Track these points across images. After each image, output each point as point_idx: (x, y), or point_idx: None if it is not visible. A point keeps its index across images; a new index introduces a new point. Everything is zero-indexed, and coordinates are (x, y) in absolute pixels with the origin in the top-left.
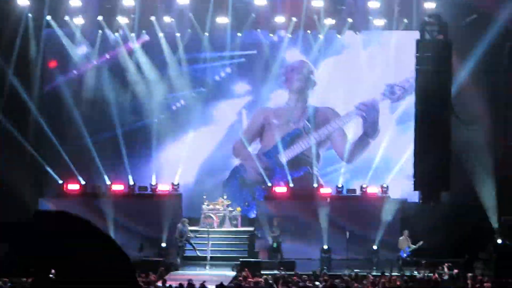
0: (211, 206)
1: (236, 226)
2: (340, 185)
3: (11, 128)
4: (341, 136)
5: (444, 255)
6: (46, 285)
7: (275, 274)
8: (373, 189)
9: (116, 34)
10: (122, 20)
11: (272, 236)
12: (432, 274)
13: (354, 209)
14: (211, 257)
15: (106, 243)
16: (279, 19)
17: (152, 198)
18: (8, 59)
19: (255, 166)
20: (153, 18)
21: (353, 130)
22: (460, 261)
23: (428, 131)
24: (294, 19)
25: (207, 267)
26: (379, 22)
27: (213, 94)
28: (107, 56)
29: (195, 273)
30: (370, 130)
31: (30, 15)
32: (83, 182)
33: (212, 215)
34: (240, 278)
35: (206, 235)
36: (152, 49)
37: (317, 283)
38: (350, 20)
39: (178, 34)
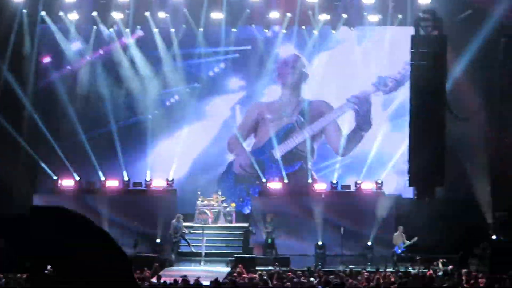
0: (205, 202)
1: (230, 222)
2: (334, 181)
3: (5, 124)
4: (335, 130)
5: (438, 251)
6: (42, 280)
7: (269, 270)
8: (368, 185)
9: (111, 29)
10: (116, 15)
11: (266, 232)
12: (427, 270)
13: (348, 205)
14: (205, 253)
15: (103, 239)
16: (274, 14)
17: (147, 194)
18: (2, 55)
19: (249, 162)
20: (147, 13)
21: (346, 123)
22: (454, 257)
23: (423, 126)
24: (288, 14)
25: (201, 263)
26: (374, 18)
27: (207, 90)
28: (101, 51)
29: (190, 269)
30: (362, 122)
31: (24, 10)
32: (77, 178)
33: (206, 211)
34: (235, 274)
35: (201, 231)
36: (146, 45)
37: (311, 279)
38: (344, 15)
39: (172, 30)
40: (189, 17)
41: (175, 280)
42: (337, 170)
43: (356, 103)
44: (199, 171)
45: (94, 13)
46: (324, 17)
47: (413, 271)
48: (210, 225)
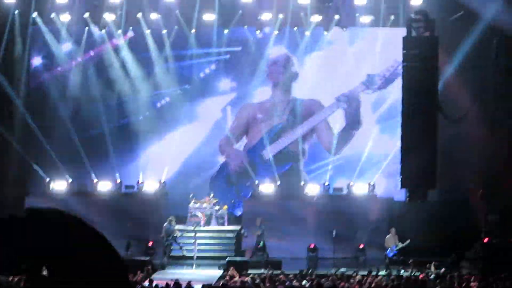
0: (198, 205)
1: (223, 224)
2: (326, 184)
3: None
4: (326, 128)
5: (431, 254)
6: (38, 282)
7: (262, 273)
8: (360, 188)
9: (103, 31)
10: (108, 17)
11: (256, 235)
12: (419, 273)
13: (340, 207)
14: (198, 256)
15: (99, 241)
16: (266, 16)
17: (139, 197)
18: None
19: (240, 163)
20: (139, 14)
21: (336, 122)
22: (447, 260)
23: (415, 128)
24: (281, 16)
25: (194, 266)
26: (366, 19)
27: (198, 91)
28: (92, 53)
29: (182, 272)
30: (352, 121)
31: (16, 12)
32: (69, 180)
33: (198, 214)
34: (227, 277)
35: (193, 234)
36: (138, 46)
37: (304, 282)
38: (337, 16)
39: (164, 31)
40: (180, 19)
41: (167, 284)
42: (329, 172)
43: (345, 101)
44: (190, 173)
45: (86, 15)
46: (316, 18)
47: (405, 274)
48: (202, 227)
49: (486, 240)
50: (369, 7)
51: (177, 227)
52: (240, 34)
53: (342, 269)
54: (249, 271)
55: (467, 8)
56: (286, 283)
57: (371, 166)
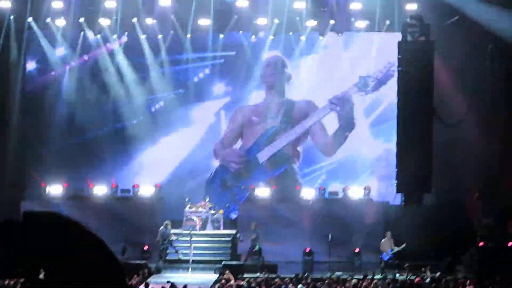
0: (193, 209)
1: (218, 228)
2: (322, 187)
3: None
4: (320, 129)
5: (426, 258)
6: (36, 286)
7: (257, 277)
8: (355, 191)
9: (98, 36)
10: (104, 22)
11: (250, 239)
12: (414, 277)
13: (336, 211)
14: (193, 260)
15: (97, 244)
16: (261, 20)
17: (134, 201)
18: None
19: (235, 166)
20: (135, 19)
21: (330, 123)
22: (442, 264)
23: (411, 132)
24: (276, 21)
25: (189, 270)
26: (361, 23)
27: (193, 96)
28: (87, 58)
29: (178, 276)
30: (345, 123)
31: (12, 17)
32: (65, 185)
33: (194, 218)
34: (223, 281)
35: (189, 238)
36: (133, 51)
37: (299, 286)
38: (332, 21)
39: (160, 36)
40: (176, 24)
41: (163, 287)
42: (324, 174)
43: (337, 104)
44: (185, 177)
45: (81, 19)
46: (311, 23)
47: (400, 278)
48: (198, 231)
49: (481, 243)
50: (364, 12)
51: (173, 231)
52: (236, 39)
53: (338, 273)
54: (245, 275)
55: (462, 13)
56: (282, 287)
57: (365, 170)
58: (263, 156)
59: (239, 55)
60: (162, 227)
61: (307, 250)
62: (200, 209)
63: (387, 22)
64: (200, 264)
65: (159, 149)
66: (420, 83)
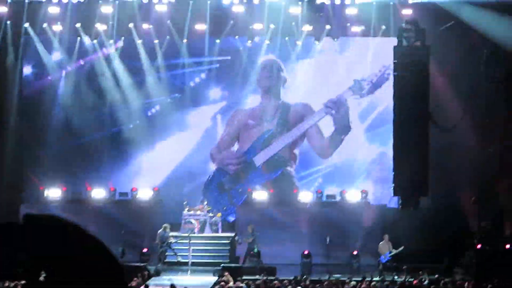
0: (191, 212)
1: (216, 231)
2: (319, 191)
3: None
4: (316, 132)
5: (424, 260)
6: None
7: (256, 279)
8: (353, 195)
9: (94, 41)
10: (100, 27)
11: (248, 242)
12: (412, 279)
13: (334, 214)
14: (192, 262)
15: (98, 247)
16: (257, 26)
17: (133, 204)
18: None
19: (233, 168)
20: (131, 25)
21: (326, 126)
22: (440, 266)
23: (407, 136)
24: (272, 26)
25: (188, 273)
26: (357, 28)
27: (189, 100)
28: (83, 62)
29: (177, 278)
30: (341, 126)
31: (8, 22)
32: (63, 188)
33: (192, 221)
34: (222, 283)
35: (187, 241)
36: (129, 56)
37: None
38: (328, 26)
39: (156, 41)
40: (172, 29)
41: None
42: (321, 178)
43: (332, 107)
44: (182, 181)
45: (78, 25)
46: (307, 28)
47: (399, 280)
48: (197, 234)
49: (479, 246)
50: (360, 17)
51: (172, 233)
52: (232, 44)
53: (336, 275)
54: (244, 277)
55: (457, 18)
56: None
57: (360, 174)
58: (259, 159)
59: (235, 60)
60: (160, 230)
61: (306, 252)
62: (198, 212)
63: (383, 27)
64: (199, 267)
65: (156, 153)
66: (416, 88)
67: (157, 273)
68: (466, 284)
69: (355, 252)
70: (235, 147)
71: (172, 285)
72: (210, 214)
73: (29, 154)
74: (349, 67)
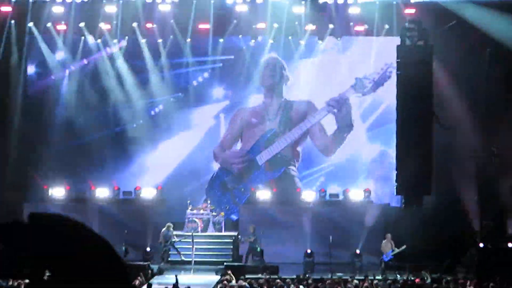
0: (195, 211)
1: (219, 230)
2: (323, 190)
3: None
4: (319, 130)
5: (426, 259)
6: (41, 286)
7: (259, 278)
8: (356, 194)
9: (98, 40)
10: (104, 26)
11: (249, 242)
12: (415, 278)
13: (336, 213)
14: (195, 261)
15: (103, 246)
16: (261, 25)
17: (136, 203)
18: None
19: (237, 167)
20: (135, 24)
21: (328, 124)
22: (442, 265)
23: (410, 135)
24: (275, 25)
25: (192, 271)
26: (360, 28)
27: (192, 99)
28: (87, 62)
29: (180, 277)
30: (343, 125)
31: (13, 21)
32: (67, 187)
33: (196, 220)
34: (225, 282)
35: (191, 240)
36: (133, 55)
37: (301, 287)
38: (331, 26)
39: (160, 40)
40: (176, 28)
41: None
42: (324, 177)
43: (334, 106)
44: (185, 180)
45: (82, 24)
46: (310, 27)
47: (401, 279)
48: (200, 233)
49: (481, 244)
50: (363, 16)
51: (175, 232)
52: (235, 43)
53: (339, 274)
54: (246, 276)
55: (460, 17)
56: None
57: (362, 173)
58: (262, 158)
59: (239, 59)
60: (164, 229)
61: (308, 251)
62: (201, 211)
63: (386, 26)
64: (202, 265)
65: (159, 152)
66: (419, 87)
67: (160, 272)
68: (468, 283)
69: (357, 251)
70: (238, 145)
71: (176, 279)
72: (213, 213)
73: (33, 153)
74: (352, 66)
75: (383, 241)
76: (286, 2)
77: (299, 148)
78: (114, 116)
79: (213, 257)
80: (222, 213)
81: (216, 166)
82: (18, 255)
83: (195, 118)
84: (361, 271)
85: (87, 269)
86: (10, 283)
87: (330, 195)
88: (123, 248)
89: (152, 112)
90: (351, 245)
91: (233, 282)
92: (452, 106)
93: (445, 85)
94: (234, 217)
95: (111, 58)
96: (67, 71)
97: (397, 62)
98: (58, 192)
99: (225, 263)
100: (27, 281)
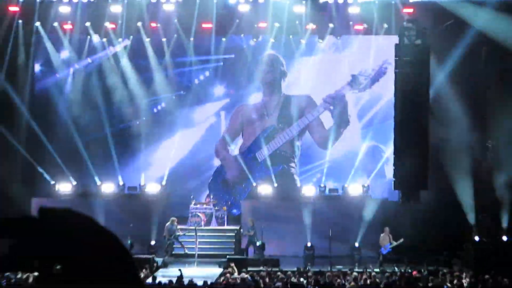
0: (198, 206)
1: (222, 224)
2: (322, 185)
3: (3, 130)
4: (317, 125)
5: (424, 252)
6: (50, 280)
7: (260, 271)
8: (355, 189)
9: (104, 39)
10: (109, 26)
11: (248, 236)
12: (412, 270)
13: (336, 208)
14: (199, 254)
15: (111, 240)
16: (262, 24)
17: (141, 198)
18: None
19: (235, 166)
20: (139, 23)
21: (326, 119)
22: (439, 258)
23: (407, 132)
24: (276, 24)
25: (195, 264)
26: (359, 27)
27: (194, 98)
28: (91, 60)
29: (184, 270)
30: (339, 121)
31: (20, 21)
32: (74, 183)
33: (199, 214)
34: (227, 274)
35: (194, 233)
36: (137, 54)
37: (301, 279)
38: (331, 25)
39: (164, 39)
40: (179, 28)
41: (170, 281)
42: (323, 172)
43: (331, 102)
44: (188, 176)
45: (88, 24)
46: (311, 26)
47: (399, 271)
48: (203, 227)
49: (477, 238)
50: (362, 16)
51: (179, 227)
52: (237, 42)
53: (338, 267)
54: (248, 269)
55: (457, 16)
56: (284, 280)
57: (357, 168)
58: (262, 154)
59: (241, 58)
60: (168, 223)
61: (308, 245)
62: (204, 206)
63: (385, 25)
64: (205, 259)
65: (162, 148)
66: (417, 85)
67: (165, 265)
68: (464, 275)
69: (356, 244)
70: (239, 141)
71: (180, 272)
72: (216, 208)
73: (41, 150)
74: (351, 65)
75: (381, 235)
76: (287, 2)
77: (298, 143)
78: (118, 113)
79: (216, 251)
80: (225, 208)
81: (217, 162)
82: (28, 249)
83: (196, 116)
84: (360, 264)
85: (95, 263)
86: (19, 275)
87: (330, 190)
88: (129, 241)
89: (155, 110)
90: (350, 239)
91: (236, 274)
92: (450, 103)
93: (443, 82)
94: (235, 211)
95: (116, 57)
96: (71, 70)
97: (395, 60)
98: (65, 187)
99: (227, 256)
100: (36, 274)
